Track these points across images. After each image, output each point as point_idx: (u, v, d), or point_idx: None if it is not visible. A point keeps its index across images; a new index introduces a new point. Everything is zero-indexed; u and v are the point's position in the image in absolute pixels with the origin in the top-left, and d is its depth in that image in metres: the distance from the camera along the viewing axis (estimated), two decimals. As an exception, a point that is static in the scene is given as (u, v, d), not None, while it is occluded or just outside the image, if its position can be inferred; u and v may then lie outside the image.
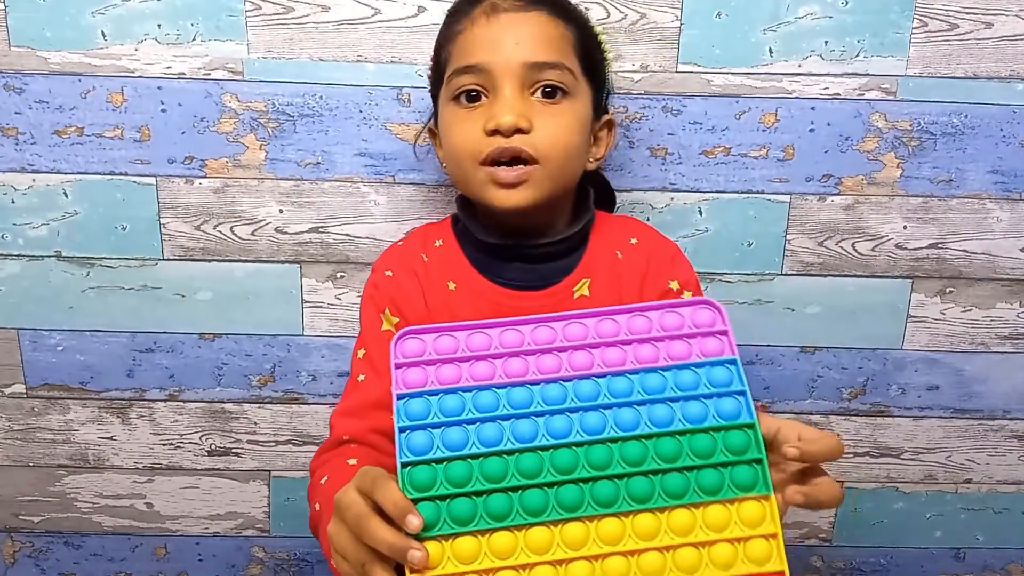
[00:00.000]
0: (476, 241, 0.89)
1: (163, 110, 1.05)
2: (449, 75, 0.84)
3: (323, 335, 1.15)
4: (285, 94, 1.05)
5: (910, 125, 1.08)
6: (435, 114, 0.91)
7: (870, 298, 1.15)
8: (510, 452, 0.63)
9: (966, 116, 1.08)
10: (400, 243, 0.96)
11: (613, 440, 0.63)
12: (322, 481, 0.79)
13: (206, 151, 1.07)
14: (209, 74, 1.04)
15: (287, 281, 1.13)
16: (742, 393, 0.65)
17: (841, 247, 1.13)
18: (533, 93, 0.82)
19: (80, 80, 1.04)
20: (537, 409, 0.65)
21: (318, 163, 1.08)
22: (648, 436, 0.63)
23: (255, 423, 1.20)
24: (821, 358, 1.18)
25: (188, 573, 1.27)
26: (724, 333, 0.68)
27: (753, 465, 0.63)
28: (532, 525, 0.62)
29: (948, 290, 1.15)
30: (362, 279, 1.12)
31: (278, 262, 1.12)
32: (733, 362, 0.66)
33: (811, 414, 1.20)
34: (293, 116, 1.06)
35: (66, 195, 1.08)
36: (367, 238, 1.11)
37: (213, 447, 1.21)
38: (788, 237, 1.12)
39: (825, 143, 1.09)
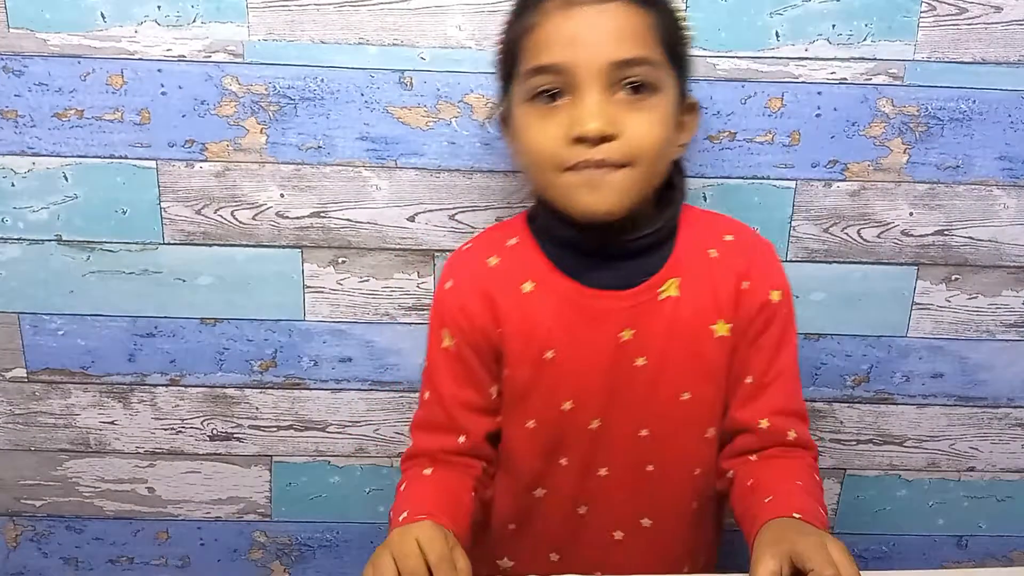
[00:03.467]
0: (556, 238, 0.85)
1: (163, 93, 1.05)
2: (523, 74, 0.78)
3: (324, 320, 1.15)
4: (286, 77, 1.04)
5: (917, 110, 1.07)
6: (505, 101, 0.86)
7: (875, 285, 1.14)
8: None
9: (974, 102, 1.07)
10: (467, 247, 0.92)
11: None
12: (402, 488, 0.86)
13: (207, 134, 1.06)
14: (209, 56, 1.03)
15: (288, 266, 1.12)
16: None
17: (846, 233, 1.12)
18: (617, 91, 0.76)
19: (79, 62, 1.03)
20: None
21: (319, 147, 1.07)
22: None
23: (257, 408, 1.19)
24: (825, 345, 1.17)
25: (190, 558, 1.28)
26: None
27: None
28: None
29: (954, 277, 1.15)
30: (363, 264, 1.12)
31: (279, 247, 1.11)
32: None
33: (815, 401, 1.20)
34: (294, 99, 1.05)
35: (66, 178, 1.08)
36: (368, 223, 1.10)
37: (215, 432, 1.21)
38: (793, 223, 1.11)
39: (831, 128, 1.07)
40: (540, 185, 0.82)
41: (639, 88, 0.77)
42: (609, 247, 0.84)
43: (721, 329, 0.86)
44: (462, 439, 0.88)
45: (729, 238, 0.89)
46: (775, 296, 0.87)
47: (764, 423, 0.86)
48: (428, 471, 0.86)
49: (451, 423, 0.88)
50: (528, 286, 0.86)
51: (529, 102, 0.79)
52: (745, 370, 0.87)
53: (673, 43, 0.80)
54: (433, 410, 0.89)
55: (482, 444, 0.89)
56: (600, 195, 0.77)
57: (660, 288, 0.85)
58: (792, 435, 0.86)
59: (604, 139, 0.75)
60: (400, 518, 0.77)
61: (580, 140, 0.75)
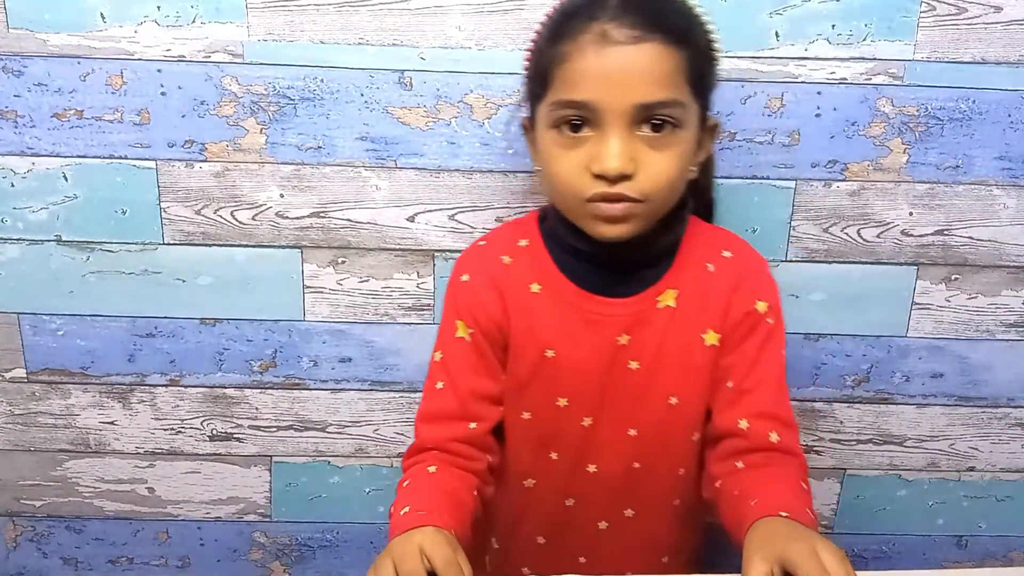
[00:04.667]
0: (563, 244, 0.89)
1: (163, 93, 1.04)
2: (551, 103, 0.80)
3: (324, 320, 1.15)
4: (286, 77, 1.04)
5: (917, 110, 1.07)
6: (530, 111, 0.87)
7: (875, 285, 1.14)
8: None
9: (974, 101, 1.07)
10: (482, 243, 0.95)
11: None
12: (404, 484, 0.85)
13: (206, 135, 1.06)
14: (209, 57, 1.03)
15: (288, 266, 1.12)
16: None
17: (846, 233, 1.12)
18: (640, 127, 0.78)
19: (79, 63, 1.03)
20: None
21: (319, 147, 1.07)
22: None
23: (256, 408, 1.19)
24: (825, 345, 1.17)
25: (190, 558, 1.27)
26: None
27: None
28: None
29: (954, 277, 1.15)
30: (363, 264, 1.12)
31: (279, 247, 1.11)
32: None
33: (814, 401, 1.20)
34: (294, 99, 1.05)
35: (66, 179, 1.08)
36: (368, 223, 1.10)
37: (214, 432, 1.20)
38: (793, 223, 1.11)
39: (831, 128, 1.07)
40: (562, 208, 0.85)
41: (661, 126, 0.79)
42: (613, 258, 0.87)
43: (711, 338, 0.89)
44: (473, 425, 0.89)
45: (727, 254, 0.91)
46: (760, 307, 0.89)
47: (743, 424, 0.87)
48: (432, 468, 0.86)
49: (463, 411, 0.89)
50: (536, 287, 0.89)
51: (555, 129, 0.81)
52: (727, 375, 0.89)
53: (700, 76, 0.82)
54: (445, 399, 0.90)
55: (489, 434, 0.91)
56: (614, 227, 0.80)
57: (658, 297, 0.88)
58: (774, 437, 0.86)
59: (622, 177, 0.78)
60: (401, 512, 0.78)
61: (599, 177, 0.78)
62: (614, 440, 0.92)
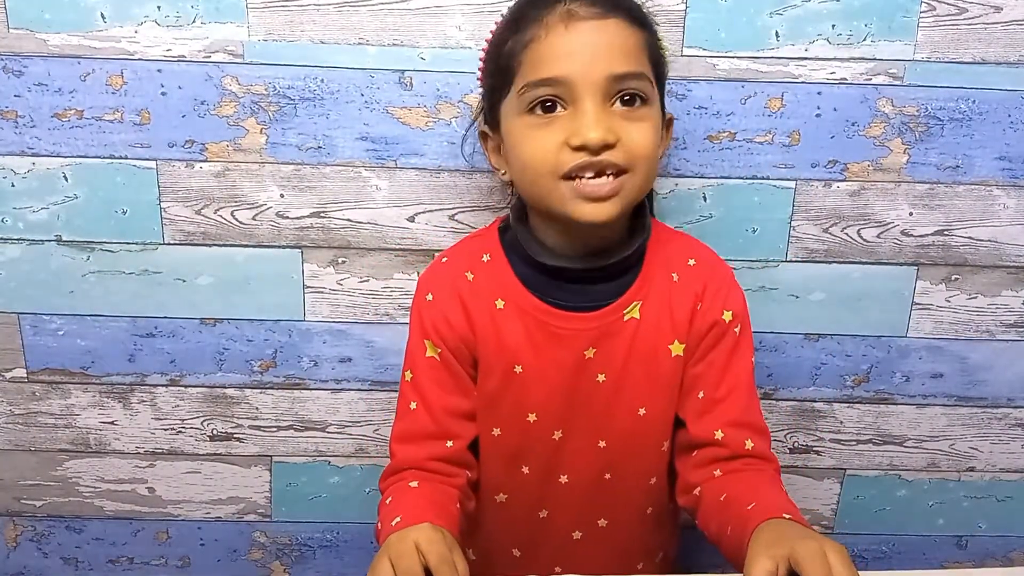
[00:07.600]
0: (526, 258, 0.88)
1: (163, 93, 1.05)
2: (521, 87, 0.80)
3: (324, 320, 1.15)
4: (286, 77, 1.04)
5: (917, 111, 1.07)
6: (486, 115, 0.88)
7: (875, 285, 1.14)
8: None
9: (974, 102, 1.07)
10: (445, 259, 0.93)
11: None
12: (387, 501, 0.85)
13: (206, 135, 1.06)
14: (209, 57, 1.03)
15: (288, 266, 1.12)
16: None
17: (846, 233, 1.12)
18: (612, 103, 0.79)
19: (79, 63, 1.03)
20: None
21: (319, 147, 1.07)
22: None
23: (257, 408, 1.19)
24: (825, 345, 1.17)
25: (190, 558, 1.28)
26: None
27: None
28: None
29: (954, 277, 1.15)
30: (363, 264, 1.12)
31: (279, 247, 1.11)
32: None
33: (814, 401, 1.20)
34: (294, 99, 1.05)
35: (66, 179, 1.08)
36: (368, 223, 1.10)
37: (215, 432, 1.20)
38: (793, 223, 1.11)
39: (831, 128, 1.07)
40: (536, 195, 0.83)
41: (632, 100, 0.79)
42: (576, 271, 0.86)
43: (677, 349, 0.89)
44: (450, 443, 0.89)
45: (692, 262, 0.91)
46: (726, 316, 0.89)
47: (719, 434, 0.87)
48: (414, 484, 0.85)
49: (439, 430, 0.89)
50: (500, 303, 0.88)
51: (526, 114, 0.80)
52: (696, 385, 0.89)
53: (657, 61, 0.84)
54: (420, 419, 0.89)
55: (466, 451, 0.91)
56: (599, 206, 0.79)
57: (624, 311, 0.87)
58: (749, 445, 0.87)
59: (605, 147, 0.77)
60: (392, 523, 0.77)
61: (581, 148, 0.77)
62: (584, 452, 0.92)
